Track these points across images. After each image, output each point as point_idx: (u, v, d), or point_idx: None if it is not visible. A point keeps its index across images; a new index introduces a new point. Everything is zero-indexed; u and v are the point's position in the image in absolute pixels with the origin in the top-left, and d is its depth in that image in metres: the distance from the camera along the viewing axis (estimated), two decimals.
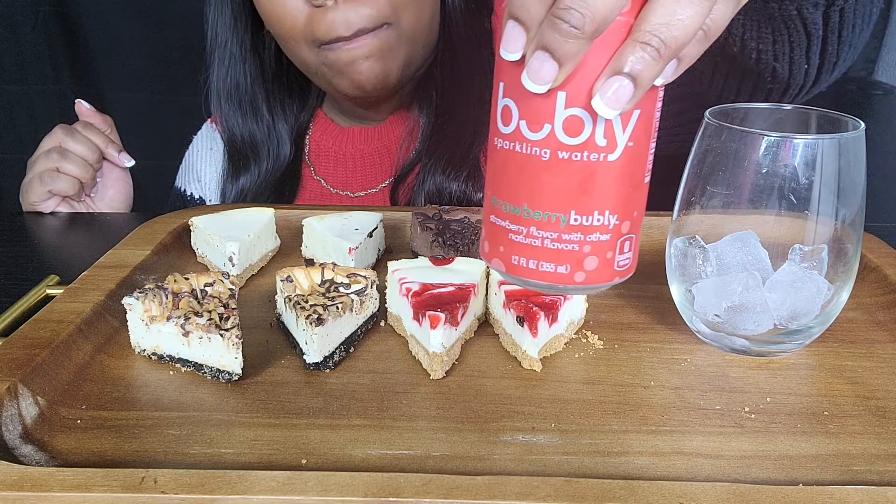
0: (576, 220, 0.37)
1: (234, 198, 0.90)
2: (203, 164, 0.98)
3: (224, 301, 0.48)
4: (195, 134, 1.02)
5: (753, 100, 0.66)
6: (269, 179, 0.90)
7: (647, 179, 0.40)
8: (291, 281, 0.50)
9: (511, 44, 0.34)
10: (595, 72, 0.34)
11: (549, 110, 0.36)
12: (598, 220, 0.38)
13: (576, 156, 0.36)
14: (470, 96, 0.85)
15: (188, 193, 0.99)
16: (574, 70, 0.34)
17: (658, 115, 0.39)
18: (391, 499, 0.34)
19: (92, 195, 0.90)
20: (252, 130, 0.90)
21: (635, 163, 0.38)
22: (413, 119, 0.88)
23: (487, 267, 0.53)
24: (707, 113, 0.47)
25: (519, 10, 0.34)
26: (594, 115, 0.35)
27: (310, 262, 0.63)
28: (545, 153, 0.36)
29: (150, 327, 0.47)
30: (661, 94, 0.39)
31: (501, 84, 0.37)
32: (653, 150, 0.40)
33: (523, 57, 0.34)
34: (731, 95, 0.67)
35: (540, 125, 0.36)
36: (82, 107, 0.90)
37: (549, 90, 0.34)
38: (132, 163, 0.91)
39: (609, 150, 0.36)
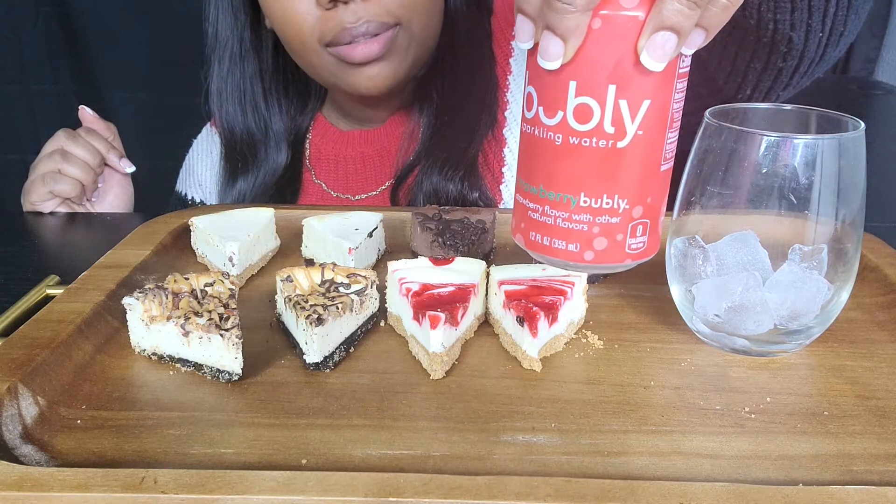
0: (585, 201, 0.40)
1: (233, 201, 0.90)
2: (203, 167, 0.98)
3: (224, 301, 0.48)
4: (195, 136, 1.02)
5: (762, 82, 0.65)
6: (267, 183, 0.90)
7: (666, 168, 0.41)
8: (291, 281, 0.50)
9: (522, 34, 0.37)
10: (602, 62, 0.37)
11: (562, 97, 0.38)
12: (608, 203, 0.40)
13: (585, 141, 0.38)
14: (469, 97, 0.85)
15: (189, 197, 0.99)
16: (583, 61, 0.36)
17: (677, 105, 0.41)
18: (391, 499, 0.34)
19: (93, 199, 0.91)
20: (251, 129, 0.90)
21: (647, 151, 0.40)
22: (413, 120, 0.88)
23: (488, 267, 0.53)
24: (707, 113, 0.47)
25: (522, 3, 0.37)
26: (603, 103, 0.37)
27: (310, 262, 0.63)
28: (558, 138, 0.39)
29: (150, 327, 0.47)
30: (680, 85, 0.40)
31: (527, 73, 0.40)
32: (672, 141, 0.42)
33: (536, 45, 0.37)
34: (738, 78, 0.66)
35: (554, 111, 0.38)
36: (86, 113, 0.90)
37: (562, 78, 0.37)
38: (133, 169, 0.91)
39: (618, 137, 0.38)
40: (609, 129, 0.38)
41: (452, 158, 0.82)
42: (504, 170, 0.84)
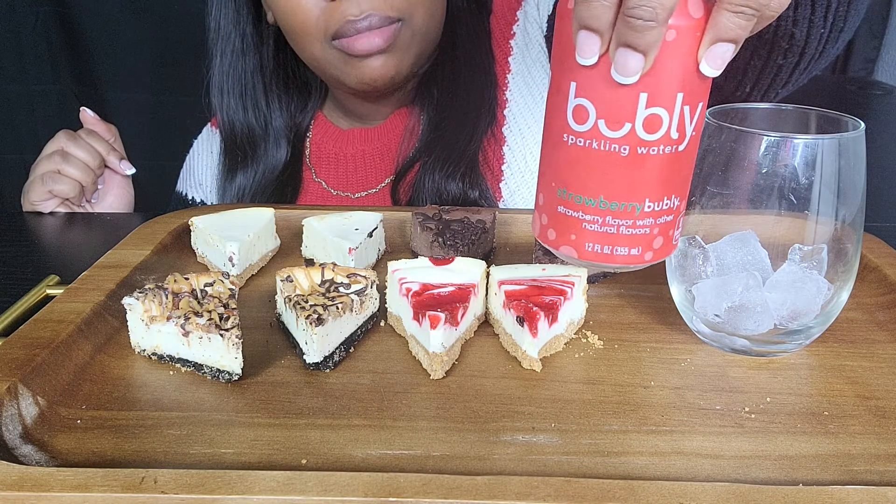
0: (649, 207, 0.40)
1: (233, 198, 0.90)
2: (203, 167, 0.99)
3: (224, 301, 0.48)
4: (195, 137, 1.02)
5: (761, 79, 0.65)
6: (267, 179, 0.90)
7: None
8: (291, 281, 0.50)
9: (587, 50, 0.37)
10: (673, 72, 0.37)
11: (630, 110, 0.38)
12: (667, 205, 0.41)
13: (653, 150, 0.39)
14: (469, 94, 0.85)
15: (189, 198, 0.99)
16: (656, 72, 0.37)
17: None
18: (391, 499, 0.34)
19: (92, 201, 0.91)
20: (251, 125, 0.90)
21: (696, 148, 0.41)
22: (414, 117, 0.88)
23: (488, 267, 0.53)
24: (707, 113, 0.47)
25: (589, 20, 0.36)
26: (671, 112, 0.38)
27: (310, 262, 0.63)
28: (624, 149, 0.39)
29: (150, 327, 0.47)
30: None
31: (573, 84, 0.39)
32: None
33: (599, 60, 0.37)
34: (737, 76, 0.66)
35: (620, 124, 0.38)
36: (87, 115, 0.91)
37: (632, 91, 0.37)
38: (133, 171, 0.91)
39: (679, 141, 0.39)
40: (674, 135, 0.39)
41: (453, 156, 0.82)
42: (504, 167, 0.84)
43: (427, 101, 0.87)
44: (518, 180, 0.84)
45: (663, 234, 0.42)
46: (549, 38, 0.85)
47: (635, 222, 0.40)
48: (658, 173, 0.39)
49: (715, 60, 0.37)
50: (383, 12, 0.75)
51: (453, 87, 0.85)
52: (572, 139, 0.40)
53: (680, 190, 0.41)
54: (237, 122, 0.90)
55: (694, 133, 0.40)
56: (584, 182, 0.40)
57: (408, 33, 0.78)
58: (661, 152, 0.39)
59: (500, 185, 0.84)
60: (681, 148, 0.39)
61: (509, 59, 0.87)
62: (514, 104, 0.86)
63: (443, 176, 0.81)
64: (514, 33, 0.88)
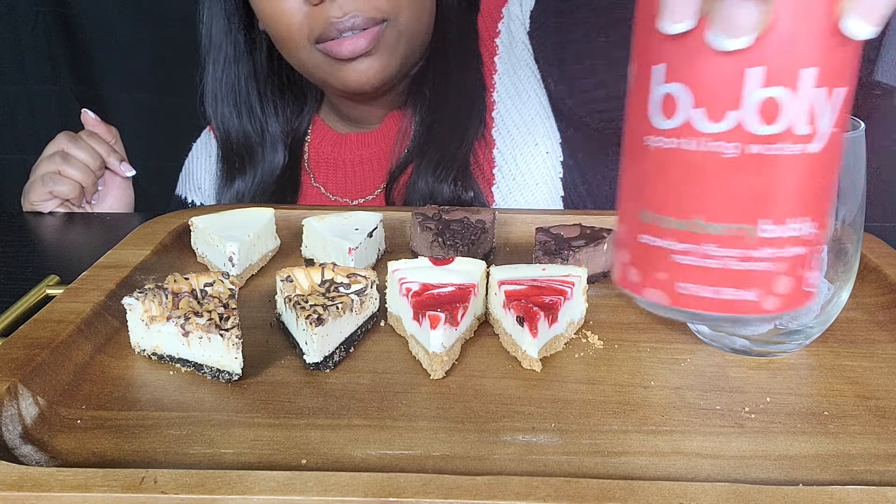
0: (768, 231, 0.30)
1: (231, 202, 0.90)
2: (203, 171, 0.99)
3: (224, 301, 0.48)
4: (194, 139, 1.02)
5: None
6: (265, 184, 0.90)
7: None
8: (291, 281, 0.50)
9: (678, 10, 0.27)
10: (795, 35, 0.27)
11: (737, 92, 0.28)
12: (794, 230, 0.30)
13: (771, 148, 0.29)
14: (459, 96, 0.85)
15: (189, 201, 0.99)
16: (771, 36, 0.27)
17: None
18: (391, 499, 0.34)
19: (92, 202, 0.91)
20: (247, 131, 0.90)
21: (836, 153, 0.31)
22: (407, 118, 0.88)
23: (488, 267, 0.53)
24: None
25: None
26: (795, 94, 0.28)
27: (310, 262, 0.63)
28: (730, 148, 0.29)
29: (150, 327, 0.47)
30: None
31: (657, 68, 0.30)
32: None
33: (693, 28, 0.28)
34: None
35: (723, 113, 0.29)
36: (88, 116, 0.91)
37: (737, 64, 0.28)
38: (133, 173, 0.91)
39: (809, 139, 0.29)
40: (802, 129, 0.29)
41: (445, 159, 0.82)
42: (495, 171, 0.84)
43: (419, 102, 0.86)
44: (510, 184, 0.84)
45: (791, 272, 0.31)
46: (531, 34, 0.84)
47: (748, 253, 0.30)
48: (779, 183, 0.29)
49: (867, 9, 0.25)
50: (367, 13, 0.75)
51: (444, 87, 0.85)
52: (657, 141, 0.30)
53: (813, 210, 0.30)
54: (232, 129, 0.90)
55: (834, 129, 0.29)
56: (675, 198, 0.31)
57: (393, 34, 0.78)
58: (782, 152, 0.29)
59: (493, 189, 0.84)
60: (813, 148, 0.29)
61: (495, 58, 0.86)
62: (501, 105, 0.85)
63: (434, 180, 0.81)
64: (500, 31, 0.87)
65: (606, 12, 0.73)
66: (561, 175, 0.83)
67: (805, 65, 0.27)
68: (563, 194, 0.83)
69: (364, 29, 0.76)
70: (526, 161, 0.83)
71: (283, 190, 0.90)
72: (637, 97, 0.31)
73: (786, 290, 0.31)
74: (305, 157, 0.94)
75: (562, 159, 0.83)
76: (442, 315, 0.45)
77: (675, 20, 0.28)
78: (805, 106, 0.28)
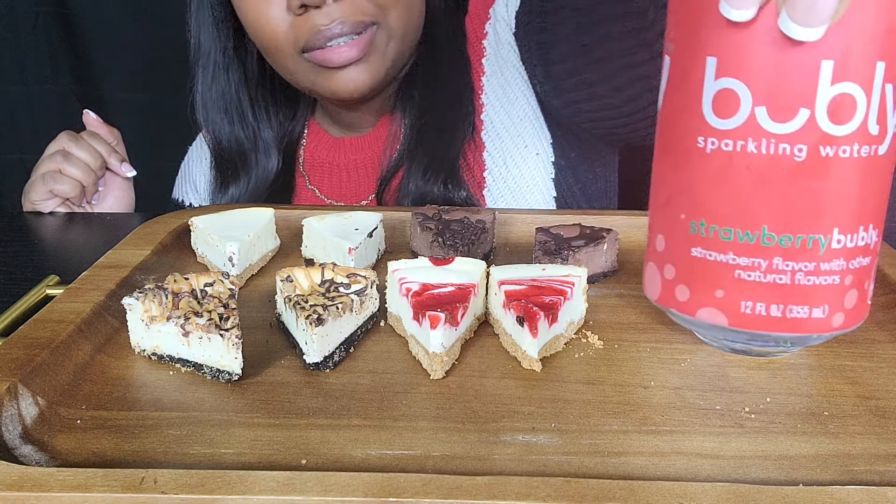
0: (839, 240, 0.28)
1: None
2: (199, 173, 0.99)
3: (224, 301, 0.48)
4: (191, 142, 1.03)
5: None
6: (260, 189, 0.90)
7: None
8: (291, 281, 0.50)
9: None
10: (870, 27, 0.25)
11: (808, 89, 0.26)
12: (863, 238, 0.29)
13: (844, 150, 0.27)
14: (448, 98, 0.84)
15: (187, 203, 0.99)
16: (845, 27, 0.25)
17: None
18: (391, 499, 0.34)
19: (93, 202, 0.91)
20: (239, 138, 0.90)
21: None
22: (397, 121, 0.87)
23: (488, 267, 0.53)
24: None
25: None
26: (870, 90, 0.26)
27: (310, 262, 0.63)
28: (799, 151, 0.27)
29: (150, 327, 0.47)
30: None
31: (713, 60, 0.27)
32: None
33: (758, 14, 0.25)
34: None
35: (792, 111, 0.26)
36: (90, 117, 0.91)
37: (808, 58, 0.25)
38: (134, 173, 0.91)
39: (880, 139, 0.27)
40: (873, 128, 0.26)
41: (434, 162, 0.81)
42: (486, 174, 0.84)
43: (408, 105, 0.86)
44: (500, 187, 0.83)
45: (857, 284, 0.30)
46: (517, 35, 0.83)
47: (819, 265, 0.28)
48: (851, 188, 0.27)
49: None
50: (354, 17, 0.74)
51: (433, 90, 0.85)
52: (714, 143, 0.28)
53: (876, 217, 0.29)
54: (224, 136, 0.90)
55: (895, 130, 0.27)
56: (734, 207, 0.28)
57: (383, 37, 0.77)
58: (854, 154, 0.27)
59: (484, 192, 0.84)
60: (881, 150, 0.27)
61: (483, 60, 0.86)
62: (490, 108, 0.85)
63: (425, 182, 0.81)
64: (487, 32, 0.86)
65: (590, 12, 0.72)
66: (553, 176, 0.83)
67: (878, 59, 0.25)
68: (555, 195, 0.83)
69: (354, 34, 0.75)
70: (516, 163, 0.83)
71: (278, 193, 0.90)
72: (683, 92, 0.28)
73: (852, 304, 0.30)
74: (301, 160, 0.94)
75: (553, 160, 0.83)
76: (442, 315, 0.45)
77: (740, 5, 0.25)
78: (876, 103, 0.26)
